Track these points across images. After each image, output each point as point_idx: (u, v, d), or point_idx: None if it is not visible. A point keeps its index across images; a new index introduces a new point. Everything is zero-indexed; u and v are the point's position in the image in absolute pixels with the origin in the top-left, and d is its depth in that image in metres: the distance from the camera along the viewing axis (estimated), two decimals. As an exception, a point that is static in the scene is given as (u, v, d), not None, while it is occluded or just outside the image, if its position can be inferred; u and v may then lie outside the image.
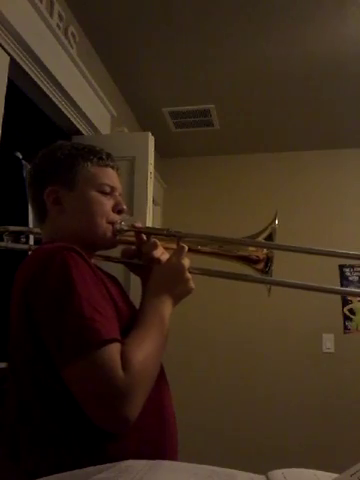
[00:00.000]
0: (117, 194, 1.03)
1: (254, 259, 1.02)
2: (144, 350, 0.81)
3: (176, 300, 0.95)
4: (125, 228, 1.02)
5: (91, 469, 0.55)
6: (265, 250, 1.02)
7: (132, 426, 0.79)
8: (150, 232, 1.06)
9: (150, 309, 0.90)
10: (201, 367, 3.32)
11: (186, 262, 0.97)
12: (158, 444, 0.88)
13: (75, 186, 0.99)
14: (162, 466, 0.56)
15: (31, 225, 2.11)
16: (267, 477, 0.56)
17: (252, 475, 0.57)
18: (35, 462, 0.80)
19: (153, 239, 1.03)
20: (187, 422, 3.06)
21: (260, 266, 1.01)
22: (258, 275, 1.02)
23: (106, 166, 1.02)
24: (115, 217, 1.01)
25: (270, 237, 1.02)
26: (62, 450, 0.80)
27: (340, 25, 2.28)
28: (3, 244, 1.27)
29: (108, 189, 1.01)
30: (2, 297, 1.41)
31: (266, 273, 1.01)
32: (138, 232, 1.03)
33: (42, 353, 0.80)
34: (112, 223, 1.00)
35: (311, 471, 0.59)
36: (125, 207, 1.03)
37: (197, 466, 0.57)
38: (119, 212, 1.02)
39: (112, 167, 1.04)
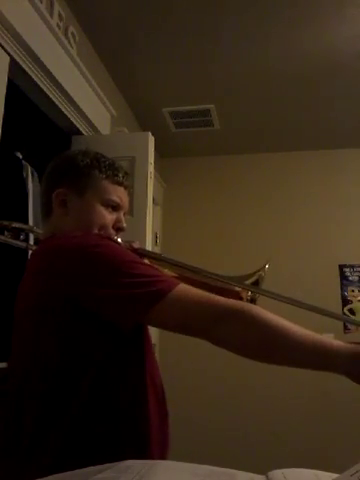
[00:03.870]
0: (121, 212, 1.05)
1: (238, 299, 1.02)
2: (274, 320, 0.82)
3: (347, 372, 0.84)
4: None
5: (91, 469, 0.55)
6: (249, 293, 1.04)
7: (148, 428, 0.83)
8: (143, 254, 1.07)
9: (322, 345, 0.83)
10: (200, 367, 3.32)
11: None
12: (162, 445, 0.90)
13: (84, 194, 1.01)
14: (162, 466, 0.56)
15: (31, 225, 2.11)
16: (267, 477, 0.56)
17: (252, 475, 0.57)
18: (37, 457, 0.81)
19: (145, 260, 1.04)
20: (187, 422, 3.07)
21: None
22: None
23: (120, 184, 1.04)
24: (112, 233, 1.02)
25: (257, 283, 1.04)
26: (66, 444, 0.80)
27: (339, 25, 2.28)
28: (2, 238, 1.27)
29: (114, 205, 1.03)
30: (2, 298, 1.41)
31: None
32: (132, 252, 1.04)
33: (65, 344, 0.83)
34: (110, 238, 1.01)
35: (311, 471, 0.59)
36: (125, 226, 1.05)
37: (196, 466, 0.57)
38: (118, 230, 1.04)
39: (125, 186, 1.06)
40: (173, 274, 1.10)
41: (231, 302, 0.82)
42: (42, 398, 0.83)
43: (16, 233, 1.27)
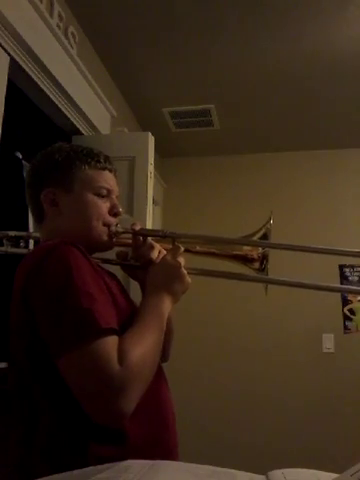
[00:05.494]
0: (114, 197, 1.03)
1: (250, 258, 1.03)
2: (142, 346, 0.81)
3: (174, 297, 0.95)
4: (121, 230, 1.02)
5: (90, 469, 0.55)
6: (260, 249, 1.03)
7: (130, 425, 0.80)
8: (146, 234, 1.06)
9: (149, 306, 0.91)
10: (201, 367, 3.32)
11: (181, 260, 0.98)
12: (158, 443, 0.89)
13: (72, 188, 0.99)
14: (162, 466, 0.56)
15: (31, 225, 2.11)
16: (267, 477, 0.56)
17: (252, 475, 0.57)
18: (31, 458, 0.81)
19: (150, 240, 1.03)
20: (187, 422, 3.06)
21: (256, 265, 1.03)
22: (254, 274, 1.03)
23: (104, 169, 1.03)
24: (111, 220, 1.01)
25: (265, 237, 1.03)
26: (60, 443, 0.80)
27: (340, 25, 2.28)
28: (3, 249, 1.27)
29: (105, 192, 1.01)
30: (2, 298, 1.41)
31: (262, 271, 1.02)
32: (134, 234, 1.03)
33: (39, 349, 0.81)
34: (108, 226, 1.00)
35: (311, 471, 0.59)
36: (121, 210, 1.04)
37: (197, 466, 0.57)
38: (115, 215, 1.02)
39: (110, 170, 1.04)
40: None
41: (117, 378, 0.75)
42: (30, 397, 0.84)
43: (16, 241, 1.27)
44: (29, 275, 0.84)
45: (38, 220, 1.04)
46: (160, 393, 0.94)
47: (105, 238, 1.00)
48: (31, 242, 1.42)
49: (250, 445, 3.09)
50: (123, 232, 1.02)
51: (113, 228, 1.00)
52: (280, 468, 0.60)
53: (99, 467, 0.55)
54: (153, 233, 1.09)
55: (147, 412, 0.85)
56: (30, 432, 0.82)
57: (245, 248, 1.05)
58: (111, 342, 0.77)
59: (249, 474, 0.57)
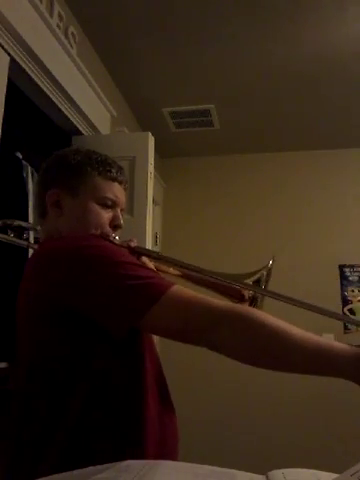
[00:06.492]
0: (118, 209, 1.02)
1: (239, 296, 1.02)
2: (273, 323, 0.77)
3: (352, 377, 0.78)
4: (116, 243, 1.00)
5: (91, 469, 0.55)
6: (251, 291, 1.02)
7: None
8: (141, 252, 1.05)
9: (322, 343, 0.79)
10: (200, 367, 3.32)
11: None
12: (163, 445, 0.89)
13: (77, 193, 0.98)
14: (162, 466, 0.56)
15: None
16: (267, 477, 0.56)
17: (252, 475, 0.57)
18: (37, 463, 0.80)
19: (143, 259, 1.03)
20: (187, 422, 3.06)
21: (246, 305, 1.02)
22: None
23: (113, 180, 1.01)
24: (109, 231, 1.00)
25: (258, 282, 1.02)
26: (81, 444, 0.80)
27: (340, 25, 2.28)
28: (4, 236, 1.27)
29: (109, 203, 1.00)
30: (2, 299, 1.41)
31: None
32: (129, 250, 1.02)
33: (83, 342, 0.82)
34: (105, 237, 0.99)
35: (311, 471, 0.59)
36: (122, 222, 1.02)
37: (197, 466, 0.57)
38: (115, 227, 1.01)
39: (120, 182, 1.03)
40: (175, 272, 1.08)
41: (228, 305, 0.79)
42: (47, 399, 0.83)
43: (20, 232, 1.27)
44: (58, 275, 0.83)
45: (40, 216, 1.04)
46: (170, 419, 0.94)
47: None
48: (31, 234, 1.42)
49: (250, 445, 3.09)
50: (118, 245, 1.01)
51: (110, 239, 0.99)
52: (280, 468, 0.60)
53: (99, 467, 0.55)
54: (148, 252, 1.07)
55: (150, 432, 0.85)
56: (47, 433, 0.81)
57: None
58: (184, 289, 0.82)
59: (249, 474, 0.57)
